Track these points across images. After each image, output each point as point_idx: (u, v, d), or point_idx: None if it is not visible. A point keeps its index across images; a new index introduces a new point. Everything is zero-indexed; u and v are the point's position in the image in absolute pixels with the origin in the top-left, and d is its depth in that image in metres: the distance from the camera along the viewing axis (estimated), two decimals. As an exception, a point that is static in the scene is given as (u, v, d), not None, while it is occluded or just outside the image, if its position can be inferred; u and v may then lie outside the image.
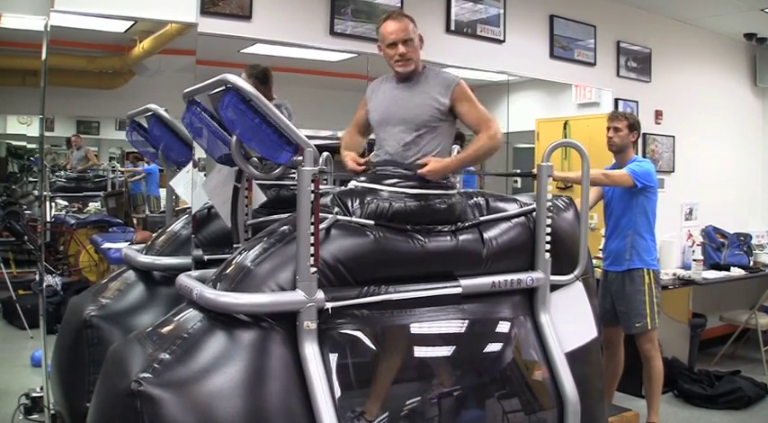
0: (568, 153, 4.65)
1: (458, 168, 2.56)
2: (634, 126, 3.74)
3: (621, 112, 4.12)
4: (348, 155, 2.63)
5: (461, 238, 2.40)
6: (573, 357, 2.54)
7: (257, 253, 2.17)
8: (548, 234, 2.53)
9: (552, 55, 4.73)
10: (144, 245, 3.13)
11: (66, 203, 4.13)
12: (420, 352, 2.32)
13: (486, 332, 2.47)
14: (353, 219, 2.27)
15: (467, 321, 2.39)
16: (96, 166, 4.16)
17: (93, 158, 4.15)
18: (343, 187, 2.60)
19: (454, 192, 2.52)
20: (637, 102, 5.23)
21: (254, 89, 2.08)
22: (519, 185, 4.71)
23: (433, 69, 2.61)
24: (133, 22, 3.26)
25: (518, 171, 4.74)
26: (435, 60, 4.00)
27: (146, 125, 3.21)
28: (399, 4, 3.93)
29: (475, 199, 2.59)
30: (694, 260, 5.02)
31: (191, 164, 3.10)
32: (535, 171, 2.66)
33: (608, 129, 3.74)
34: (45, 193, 3.69)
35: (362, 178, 2.51)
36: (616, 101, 5.05)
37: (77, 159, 4.12)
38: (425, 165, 2.43)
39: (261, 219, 2.69)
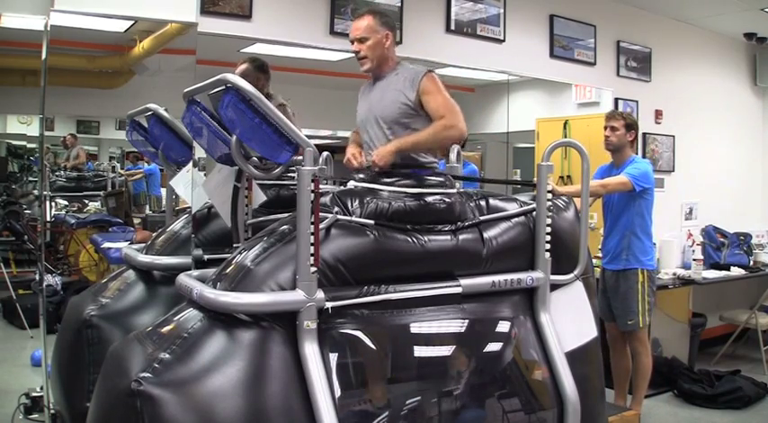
0: (568, 153, 4.66)
1: (403, 150, 2.43)
2: (631, 126, 3.75)
3: (619, 112, 4.12)
4: (349, 150, 2.62)
5: (461, 237, 2.40)
6: (573, 357, 2.54)
7: (257, 252, 2.17)
8: (548, 234, 2.53)
9: (552, 55, 4.73)
10: (144, 244, 3.13)
11: (66, 203, 4.13)
12: (420, 351, 2.32)
13: (486, 332, 2.47)
14: (353, 218, 2.27)
15: (467, 321, 2.39)
16: (82, 164, 4.16)
17: (82, 157, 4.15)
18: (342, 187, 2.60)
19: (454, 191, 2.52)
20: (637, 101, 5.23)
21: (254, 88, 2.08)
22: (518, 179, 4.72)
23: (406, 65, 2.60)
24: (133, 22, 3.26)
25: (518, 177, 4.75)
26: (435, 60, 4.02)
27: (146, 125, 3.21)
28: (399, 4, 3.93)
29: (475, 198, 2.59)
30: (694, 260, 5.02)
31: (191, 164, 3.10)
32: (535, 172, 2.65)
33: (605, 128, 3.76)
34: (45, 192, 3.70)
35: (362, 178, 2.51)
36: (616, 100, 5.05)
37: (72, 158, 4.13)
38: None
39: (261, 218, 2.69)
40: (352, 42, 2.56)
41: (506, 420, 2.39)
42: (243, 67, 3.20)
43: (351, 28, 2.60)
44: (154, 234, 3.28)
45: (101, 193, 4.23)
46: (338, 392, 2.05)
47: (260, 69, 3.20)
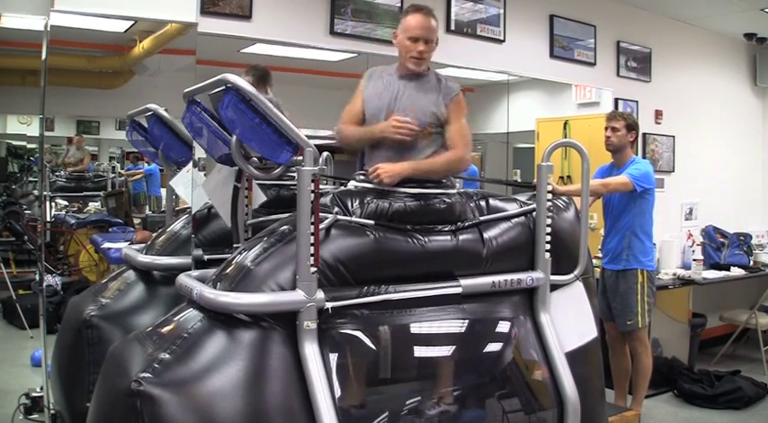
0: (568, 153, 4.65)
1: (412, 175, 2.40)
2: (632, 126, 3.75)
3: (620, 112, 4.13)
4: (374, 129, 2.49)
5: (461, 237, 2.40)
6: (573, 357, 2.54)
7: (257, 253, 2.17)
8: (548, 234, 2.53)
9: (552, 55, 4.73)
10: (144, 245, 3.13)
11: (66, 203, 4.13)
12: (420, 352, 2.32)
13: (486, 332, 2.47)
14: (353, 219, 2.27)
15: (467, 321, 2.39)
16: (84, 170, 4.16)
17: (86, 163, 4.16)
18: (342, 187, 2.60)
19: (454, 191, 2.52)
20: (637, 102, 5.23)
21: (254, 89, 2.08)
22: (518, 179, 4.72)
23: (438, 74, 2.60)
24: (133, 22, 3.26)
25: (518, 178, 4.75)
26: (435, 60, 3.97)
27: (146, 125, 3.21)
28: (399, 4, 3.93)
29: (475, 199, 2.59)
30: (694, 260, 5.02)
31: (191, 164, 3.10)
32: (535, 172, 2.65)
33: (606, 128, 3.76)
34: (45, 193, 3.69)
35: (362, 178, 2.51)
36: (616, 101, 5.05)
37: (75, 158, 4.12)
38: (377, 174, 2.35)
39: (261, 219, 2.69)
40: (417, 40, 2.49)
41: (506, 420, 2.39)
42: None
43: (417, 22, 2.49)
44: (154, 234, 3.27)
45: (101, 193, 4.23)
46: (338, 392, 2.05)
47: (261, 80, 3.18)
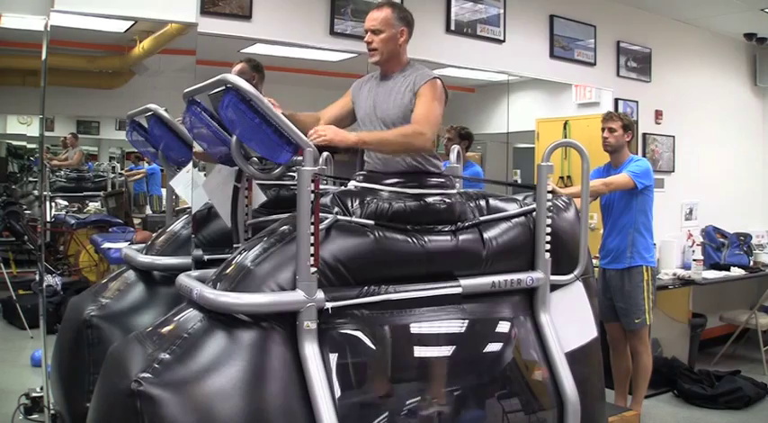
0: (568, 153, 4.66)
1: (367, 144, 2.37)
2: (628, 126, 3.77)
3: (615, 113, 4.14)
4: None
5: (461, 237, 2.40)
6: (573, 357, 2.54)
7: (257, 253, 2.17)
8: (548, 234, 2.53)
9: (552, 55, 4.73)
10: (144, 245, 3.13)
11: (66, 203, 4.13)
12: (420, 352, 2.32)
13: (486, 332, 2.47)
14: (353, 219, 2.27)
15: (467, 321, 2.39)
16: (73, 166, 4.15)
17: (75, 161, 4.15)
18: (342, 187, 2.60)
19: (454, 192, 2.52)
20: (637, 102, 5.23)
21: (254, 88, 2.08)
22: (518, 179, 4.73)
23: (416, 66, 2.56)
24: (133, 22, 3.26)
25: (518, 178, 4.75)
26: (435, 60, 4.02)
27: (146, 125, 3.21)
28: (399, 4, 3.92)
29: (475, 199, 2.59)
30: (694, 260, 5.02)
31: (191, 164, 3.10)
32: (535, 173, 2.65)
33: (602, 129, 3.78)
34: (45, 193, 3.70)
35: (361, 178, 2.51)
36: (616, 101, 5.05)
37: (70, 158, 4.13)
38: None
39: (261, 219, 2.69)
40: (366, 32, 2.52)
41: (506, 420, 2.39)
42: (239, 66, 3.20)
43: (367, 17, 2.55)
44: (154, 234, 3.27)
45: (101, 193, 4.23)
46: (338, 393, 2.05)
47: (255, 69, 3.20)
